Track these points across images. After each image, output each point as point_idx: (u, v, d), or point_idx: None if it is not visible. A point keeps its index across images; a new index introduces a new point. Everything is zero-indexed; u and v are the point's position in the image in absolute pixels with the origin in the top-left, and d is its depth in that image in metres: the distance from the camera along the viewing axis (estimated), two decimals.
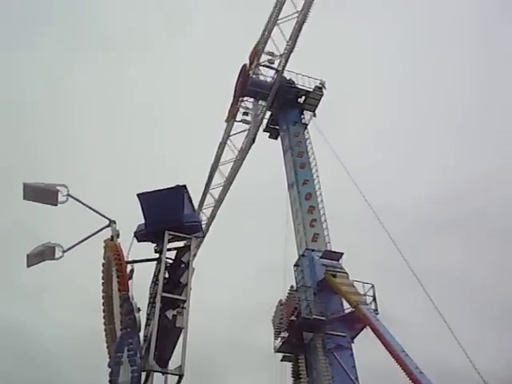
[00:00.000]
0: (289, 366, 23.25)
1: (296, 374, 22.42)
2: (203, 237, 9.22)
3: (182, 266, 8.78)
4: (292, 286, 23.21)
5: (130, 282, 8.61)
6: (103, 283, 9.78)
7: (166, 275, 8.79)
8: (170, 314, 7.84)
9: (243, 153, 29.28)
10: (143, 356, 7.41)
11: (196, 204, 25.24)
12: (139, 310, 8.20)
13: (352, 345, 21.72)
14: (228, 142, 30.66)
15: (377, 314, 20.88)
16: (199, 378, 23.97)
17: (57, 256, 9.75)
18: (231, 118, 30.23)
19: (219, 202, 30.39)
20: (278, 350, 23.07)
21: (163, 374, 7.64)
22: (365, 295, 21.67)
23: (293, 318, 22.05)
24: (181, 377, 7.62)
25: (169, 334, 7.70)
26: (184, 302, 8.19)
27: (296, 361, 22.30)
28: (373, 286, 21.98)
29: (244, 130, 29.93)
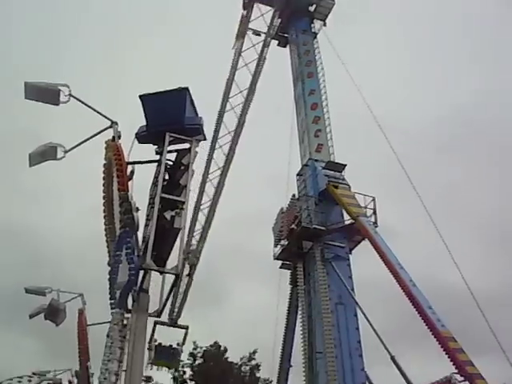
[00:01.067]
0: (287, 273, 23.87)
1: (294, 282, 22.99)
2: (205, 139, 9.15)
3: (182, 168, 8.81)
4: (294, 195, 23.42)
5: (130, 182, 8.63)
6: (104, 184, 9.82)
7: (166, 177, 8.82)
8: (168, 214, 7.92)
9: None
10: (141, 255, 7.56)
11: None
12: (138, 209, 8.27)
13: (350, 256, 22.13)
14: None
15: (376, 226, 21.08)
16: (202, 282, 24.64)
17: (59, 156, 9.72)
18: (241, 36, 29.12)
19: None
20: (277, 258, 23.57)
21: (160, 272, 7.79)
22: (365, 208, 21.80)
23: (293, 226, 22.36)
24: (177, 276, 7.80)
25: (167, 234, 7.79)
26: (183, 203, 8.25)
27: (294, 269, 22.75)
28: (374, 199, 22.08)
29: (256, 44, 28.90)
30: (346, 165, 22.94)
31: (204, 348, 40.79)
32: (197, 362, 40.48)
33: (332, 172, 22.63)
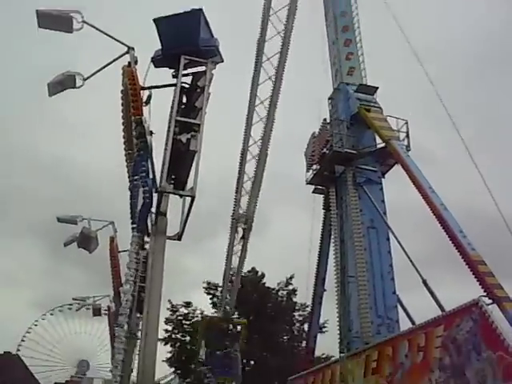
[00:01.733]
0: (320, 198, 23.89)
1: (327, 207, 23.06)
2: (222, 61, 8.91)
3: (198, 90, 8.70)
4: (325, 120, 23.15)
5: (146, 107, 8.59)
6: (122, 110, 9.80)
7: (184, 100, 8.75)
8: (184, 137, 7.88)
9: None
10: (156, 178, 7.59)
11: None
12: (151, 133, 8.25)
13: (383, 180, 21.99)
14: None
15: (408, 150, 20.76)
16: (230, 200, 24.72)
17: (78, 84, 9.70)
18: None
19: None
20: (309, 182, 23.60)
21: (175, 195, 7.82)
22: (398, 131, 21.47)
23: (324, 150, 22.25)
24: (193, 198, 7.81)
25: (183, 157, 7.77)
26: (198, 125, 8.18)
27: (327, 193, 22.80)
28: (406, 123, 21.65)
29: None
30: (377, 87, 22.45)
31: (242, 274, 41.57)
32: None
33: (364, 95, 22.19)
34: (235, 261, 26.33)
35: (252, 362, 39.02)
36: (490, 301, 13.91)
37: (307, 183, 23.57)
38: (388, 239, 20.29)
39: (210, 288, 41.77)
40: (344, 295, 20.36)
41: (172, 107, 8.77)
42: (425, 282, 17.88)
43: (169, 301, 42.39)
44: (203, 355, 25.81)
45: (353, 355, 18.22)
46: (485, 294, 14.07)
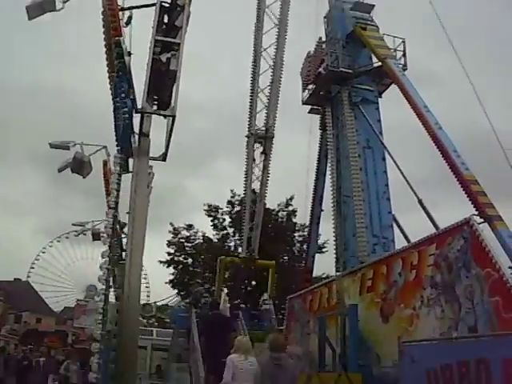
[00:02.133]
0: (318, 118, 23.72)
1: (323, 127, 22.91)
2: None
3: (178, 9, 8.44)
4: (320, 38, 22.69)
5: (126, 28, 8.35)
6: (104, 32, 9.53)
7: (165, 20, 8.51)
8: (164, 57, 7.72)
9: None
10: (136, 99, 7.47)
11: None
12: (129, 53, 8.06)
13: (379, 100, 21.75)
14: None
15: (405, 69, 20.43)
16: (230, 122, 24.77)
17: (58, 7, 9.40)
18: None
19: None
20: (305, 102, 23.39)
21: (156, 115, 7.73)
22: (395, 50, 21.09)
23: (320, 70, 21.93)
24: (173, 118, 7.73)
25: (164, 77, 7.64)
26: (178, 45, 7.99)
27: (323, 113, 22.63)
28: (403, 41, 21.23)
29: None
30: (374, 5, 21.88)
31: (242, 195, 41.87)
32: (235, 210, 41.76)
33: (360, 13, 21.66)
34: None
35: (253, 283, 39.72)
36: (482, 220, 14.03)
37: (303, 103, 23.37)
38: (384, 159, 20.26)
39: (211, 210, 42.20)
40: (340, 215, 20.48)
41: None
42: (420, 202, 17.93)
43: (170, 224, 42.97)
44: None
45: (349, 274, 18.45)
46: (476, 212, 14.17)
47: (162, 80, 7.55)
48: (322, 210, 24.24)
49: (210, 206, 42.23)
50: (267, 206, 41.71)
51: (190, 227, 42.79)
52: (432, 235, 14.35)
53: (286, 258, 40.59)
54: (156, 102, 7.83)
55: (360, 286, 17.27)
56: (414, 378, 6.76)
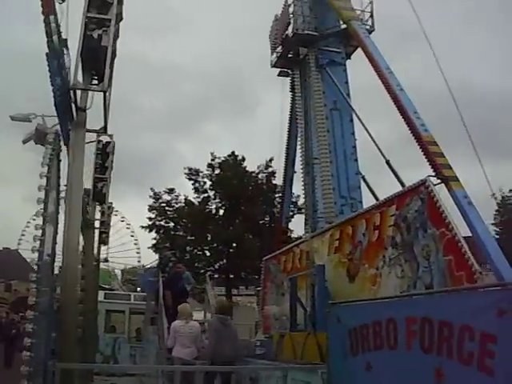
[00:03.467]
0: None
1: (293, 89, 22.89)
2: None
3: None
4: (286, 0, 22.52)
5: (60, 5, 8.25)
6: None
7: None
8: (95, 33, 7.74)
9: None
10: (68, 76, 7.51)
11: None
12: (59, 31, 7.93)
13: (348, 61, 21.74)
14: None
15: (372, 30, 20.50)
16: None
17: None
18: None
19: None
20: (274, 65, 23.37)
21: (86, 90, 7.80)
22: (362, 11, 21.07)
23: (287, 32, 21.87)
24: (104, 93, 7.82)
25: (97, 53, 7.69)
26: (110, 21, 7.97)
27: (292, 76, 22.61)
28: (371, 2, 21.25)
29: None
30: None
31: (222, 158, 42.02)
32: (215, 173, 41.87)
33: None
34: None
35: (234, 245, 40.18)
36: (439, 180, 14.26)
37: (272, 66, 23.34)
38: (351, 121, 20.36)
39: (192, 174, 42.26)
40: (309, 177, 20.65)
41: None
42: (388, 163, 18.08)
43: (151, 189, 43.02)
44: None
45: (318, 235, 18.73)
46: (434, 173, 14.38)
47: (96, 56, 7.62)
48: (294, 172, 24.40)
49: (190, 169, 42.29)
50: (248, 169, 42.02)
51: (171, 191, 42.91)
52: (392, 196, 14.56)
53: (266, 219, 40.85)
54: (95, 78, 7.91)
55: (328, 247, 17.55)
56: (339, 336, 7.10)
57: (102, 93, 8.19)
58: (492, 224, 40.17)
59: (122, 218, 53.43)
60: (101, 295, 24.73)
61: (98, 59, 7.65)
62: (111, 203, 21.45)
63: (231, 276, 41.69)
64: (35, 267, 6.34)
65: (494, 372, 4.68)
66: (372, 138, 18.50)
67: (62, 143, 7.72)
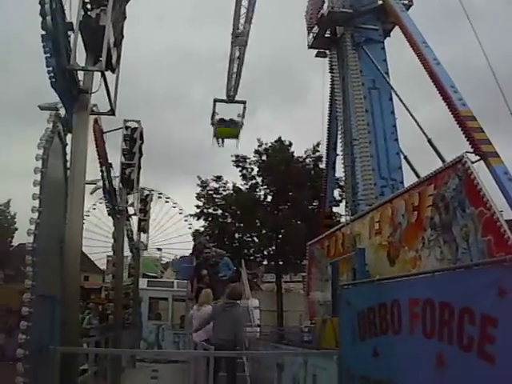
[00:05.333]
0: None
1: (331, 70, 22.37)
2: None
3: None
4: None
5: None
6: None
7: None
8: (93, 13, 7.53)
9: None
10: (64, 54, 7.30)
11: None
12: (53, 12, 7.73)
13: (387, 39, 21.10)
14: None
15: (410, 5, 19.83)
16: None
17: None
18: None
19: None
20: (310, 46, 22.91)
21: (83, 71, 7.59)
22: None
23: (322, 11, 21.34)
24: (102, 72, 7.58)
25: (96, 33, 7.47)
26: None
27: (331, 56, 22.10)
28: None
29: None
30: None
31: (269, 144, 41.76)
32: (262, 158, 41.62)
33: None
34: None
35: (282, 231, 39.87)
36: (478, 157, 13.63)
37: (309, 47, 22.85)
38: (391, 99, 19.75)
39: (239, 161, 42.11)
40: (349, 158, 20.18)
41: None
42: (430, 141, 17.43)
43: (198, 177, 43.09)
44: None
45: (358, 218, 18.30)
46: (472, 150, 13.75)
47: (95, 36, 7.42)
48: (336, 155, 23.89)
49: (237, 156, 42.13)
50: (295, 154, 41.60)
51: (218, 179, 42.89)
52: (430, 175, 14.03)
53: (314, 204, 40.31)
54: (99, 59, 7.70)
55: (369, 230, 17.14)
56: (349, 320, 6.78)
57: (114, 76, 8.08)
58: None
59: (174, 203, 53.22)
60: (144, 283, 24.94)
61: (97, 39, 7.44)
62: (151, 190, 21.53)
63: (280, 262, 41.40)
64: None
65: (495, 359, 4.24)
66: (412, 115, 17.88)
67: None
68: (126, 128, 14.49)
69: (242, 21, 26.25)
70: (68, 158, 7.81)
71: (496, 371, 4.27)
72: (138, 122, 14.46)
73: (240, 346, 11.45)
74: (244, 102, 30.03)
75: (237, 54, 27.67)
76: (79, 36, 7.57)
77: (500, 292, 4.21)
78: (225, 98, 30.11)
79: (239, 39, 26.65)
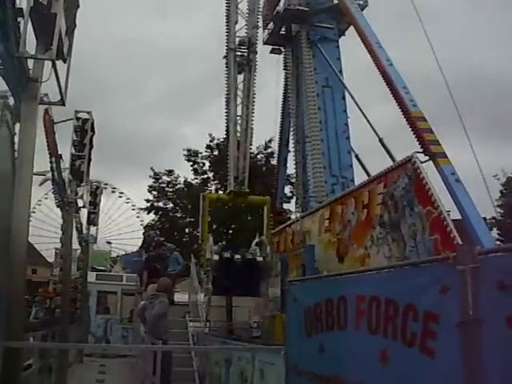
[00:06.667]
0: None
1: (285, 67, 22.43)
2: None
3: None
4: None
5: None
6: None
7: None
8: (45, 0, 7.39)
9: None
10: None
11: None
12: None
13: (342, 38, 21.26)
14: None
15: (365, 5, 20.08)
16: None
17: None
18: None
19: None
20: (265, 43, 22.88)
21: (32, 59, 7.43)
22: None
23: (278, 8, 21.39)
24: (53, 61, 7.44)
25: (47, 19, 7.32)
26: None
27: (285, 53, 22.16)
28: None
29: None
30: None
31: (221, 139, 41.70)
32: (214, 153, 41.59)
33: None
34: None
35: (233, 226, 39.97)
36: (427, 157, 13.87)
37: (264, 43, 22.86)
38: (344, 98, 19.86)
39: (190, 155, 41.99)
40: (301, 155, 20.31)
41: None
42: (381, 141, 17.60)
43: (151, 168, 42.81)
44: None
45: (308, 214, 18.44)
46: (421, 150, 13.98)
47: (47, 22, 7.28)
48: (288, 152, 24.03)
49: (189, 150, 42.02)
50: None
51: (170, 172, 42.68)
52: (380, 173, 14.24)
53: None
54: (50, 47, 7.55)
55: (318, 227, 17.29)
56: (296, 315, 6.84)
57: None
58: (497, 206, 39.59)
59: (127, 199, 53.04)
60: (93, 276, 24.67)
61: (49, 26, 7.29)
62: (98, 182, 21.27)
63: None
64: None
65: (435, 353, 4.36)
66: (364, 114, 18.02)
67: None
68: (77, 119, 14.31)
69: None
70: (16, 147, 7.68)
71: (436, 365, 4.38)
72: (88, 112, 14.29)
73: (159, 338, 11.64)
74: None
75: None
76: (29, 23, 7.41)
77: (442, 289, 4.31)
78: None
79: None
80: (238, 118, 23.00)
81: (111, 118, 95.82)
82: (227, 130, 23.52)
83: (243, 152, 23.76)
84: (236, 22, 23.06)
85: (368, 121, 17.88)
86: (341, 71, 20.03)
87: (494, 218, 32.27)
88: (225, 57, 23.12)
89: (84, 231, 21.35)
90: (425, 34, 16.06)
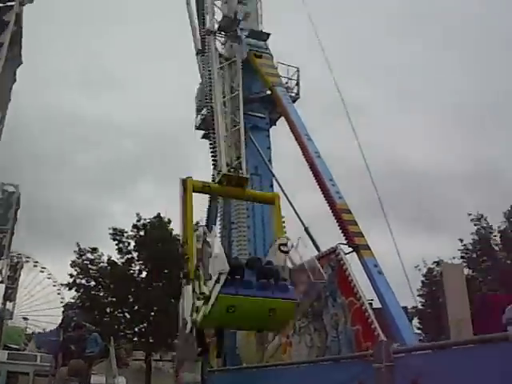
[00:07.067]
0: None
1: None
2: None
3: None
4: None
5: None
6: None
7: None
8: None
9: None
10: None
11: None
12: None
13: (273, 128, 21.90)
14: None
15: (297, 98, 20.83)
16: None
17: None
18: None
19: None
20: (198, 128, 23.27)
21: None
22: (289, 79, 21.41)
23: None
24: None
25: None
26: None
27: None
28: (298, 70, 21.70)
29: None
30: (269, 34, 22.16)
31: (147, 220, 41.27)
32: (140, 234, 41.02)
33: (255, 41, 21.80)
34: None
35: (155, 308, 39.10)
36: (351, 249, 14.22)
37: (196, 128, 23.22)
38: (271, 186, 20.26)
39: (116, 234, 41.23)
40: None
41: None
42: (306, 230, 17.90)
43: (77, 243, 41.68)
44: None
45: None
46: (345, 241, 14.34)
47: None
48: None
49: (115, 229, 41.28)
50: (173, 231, 41.29)
51: (94, 250, 41.61)
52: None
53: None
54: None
55: None
56: None
57: None
58: (419, 296, 40.36)
59: (49, 274, 51.45)
60: (4, 355, 23.47)
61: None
62: (20, 256, 20.59)
63: (151, 340, 40.26)
64: None
65: None
66: (291, 203, 18.38)
67: None
68: (3, 192, 13.94)
69: None
70: None
71: None
72: (15, 186, 13.97)
73: None
74: None
75: None
76: None
77: None
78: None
79: None
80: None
81: (40, 191, 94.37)
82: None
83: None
84: None
85: (294, 209, 18.24)
86: (270, 160, 20.50)
87: (414, 307, 32.75)
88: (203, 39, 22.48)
89: None
90: (351, 127, 16.86)
